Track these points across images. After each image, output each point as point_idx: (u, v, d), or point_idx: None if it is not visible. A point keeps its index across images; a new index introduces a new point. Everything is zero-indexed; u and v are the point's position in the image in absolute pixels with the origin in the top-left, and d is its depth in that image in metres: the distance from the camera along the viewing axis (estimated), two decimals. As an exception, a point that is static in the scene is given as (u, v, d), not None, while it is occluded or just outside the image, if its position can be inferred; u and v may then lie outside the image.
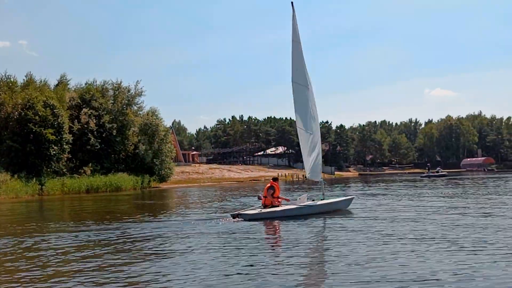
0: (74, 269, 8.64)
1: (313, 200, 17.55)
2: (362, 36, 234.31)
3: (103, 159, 50.30)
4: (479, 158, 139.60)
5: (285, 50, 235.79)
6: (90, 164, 48.24)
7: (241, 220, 15.24)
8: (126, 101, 55.26)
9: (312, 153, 18.28)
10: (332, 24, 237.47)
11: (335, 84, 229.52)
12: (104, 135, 50.59)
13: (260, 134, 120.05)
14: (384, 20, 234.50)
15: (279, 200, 16.84)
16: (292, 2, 17.81)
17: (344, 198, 19.44)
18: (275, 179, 17.39)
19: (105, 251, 10.45)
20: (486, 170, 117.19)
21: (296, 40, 17.87)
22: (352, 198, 19.41)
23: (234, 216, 15.72)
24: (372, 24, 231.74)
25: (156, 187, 52.87)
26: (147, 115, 56.61)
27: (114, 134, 51.50)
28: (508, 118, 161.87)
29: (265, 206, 16.49)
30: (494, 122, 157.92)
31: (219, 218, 15.96)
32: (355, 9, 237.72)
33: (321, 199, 17.69)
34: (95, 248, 10.96)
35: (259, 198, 18.09)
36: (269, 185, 16.85)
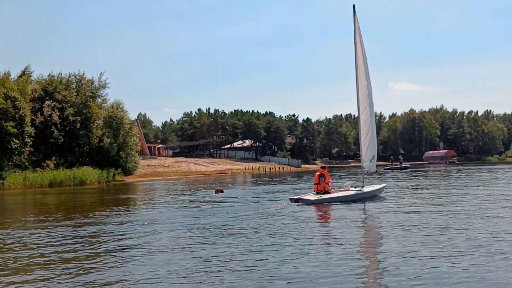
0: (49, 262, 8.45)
1: (356, 188, 19.71)
2: (328, 30, 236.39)
3: (66, 152, 49.33)
4: (441, 151, 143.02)
5: (250, 43, 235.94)
6: (53, 158, 47.22)
7: (301, 205, 17.16)
8: (90, 94, 54.26)
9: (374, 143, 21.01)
10: (297, 19, 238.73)
11: (301, 78, 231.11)
12: (67, 128, 49.57)
13: (227, 127, 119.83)
14: (348, 15, 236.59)
15: (329, 185, 18.99)
16: (354, 5, 20.02)
17: (380, 186, 21.64)
18: (323, 167, 19.88)
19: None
20: (447, 162, 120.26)
21: (360, 41, 20.24)
22: (385, 186, 22.26)
23: (293, 201, 17.83)
24: (337, 18, 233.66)
25: (121, 180, 52.17)
26: (112, 107, 55.69)
27: (78, 127, 50.51)
28: (470, 112, 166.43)
29: (317, 192, 18.58)
30: (456, 115, 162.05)
31: (277, 204, 18.02)
32: (322, 3, 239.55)
33: (362, 187, 19.86)
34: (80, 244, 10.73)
35: (216, 192, 22.27)
36: (319, 173, 18.93)
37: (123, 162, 54.46)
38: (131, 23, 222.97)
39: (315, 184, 18.97)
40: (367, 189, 19.83)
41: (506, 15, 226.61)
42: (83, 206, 22.02)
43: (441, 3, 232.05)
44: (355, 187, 19.87)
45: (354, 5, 20.07)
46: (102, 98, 56.29)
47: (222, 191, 24.77)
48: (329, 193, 18.53)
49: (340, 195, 18.55)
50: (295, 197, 18.26)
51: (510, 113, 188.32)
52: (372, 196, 19.57)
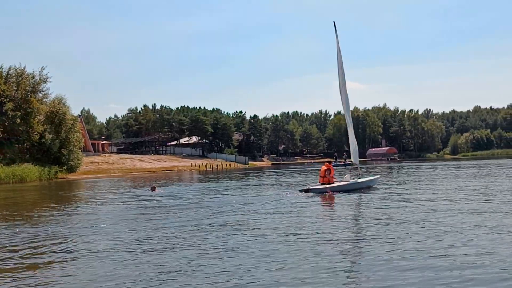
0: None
1: (354, 179, 22.22)
2: (277, 28, 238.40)
3: (6, 149, 47.60)
4: (383, 148, 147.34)
5: (197, 38, 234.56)
6: (-9, 154, 45.53)
7: (312, 194, 19.23)
8: (30, 88, 52.44)
9: (353, 141, 23.78)
10: (245, 17, 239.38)
11: (249, 76, 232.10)
12: (6, 124, 47.79)
13: (173, 124, 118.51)
14: (298, 13, 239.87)
15: (334, 178, 21.34)
16: (334, 22, 22.64)
17: (375, 177, 24.37)
18: (329, 162, 22.08)
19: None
20: (389, 159, 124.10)
21: (339, 52, 22.59)
22: (379, 177, 25.36)
23: (303, 191, 20.08)
24: (285, 17, 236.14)
25: (64, 178, 50.83)
26: (54, 103, 54.05)
27: (18, 122, 48.76)
28: (410, 111, 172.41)
29: (323, 184, 20.74)
30: (397, 114, 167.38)
31: (289, 192, 20.67)
32: (268, 1, 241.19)
33: (359, 178, 22.57)
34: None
35: (152, 189, 23.59)
36: (325, 167, 21.19)
37: (65, 159, 53.04)
38: (75, 17, 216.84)
39: (320, 177, 21.29)
40: (366, 179, 22.87)
41: (445, 16, 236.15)
42: (19, 204, 21.34)
43: (385, 3, 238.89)
44: (353, 179, 22.43)
45: (334, 22, 22.67)
46: (43, 93, 54.49)
47: (155, 189, 24.64)
48: (333, 184, 20.81)
49: (342, 184, 20.98)
50: (305, 188, 20.52)
51: (448, 111, 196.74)
52: (369, 186, 22.21)
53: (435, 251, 8.02)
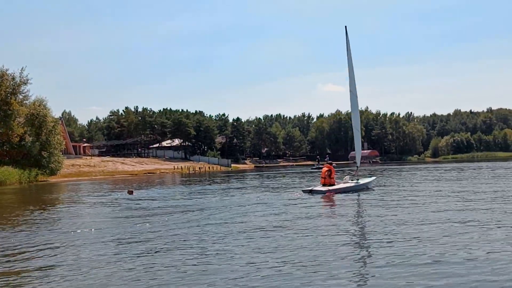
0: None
1: (353, 181, 23.12)
2: (259, 32, 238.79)
3: (-16, 151, 46.87)
4: (365, 151, 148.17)
5: (180, 41, 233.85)
6: (-31, 157, 44.74)
7: (315, 195, 20.30)
8: (10, 90, 51.66)
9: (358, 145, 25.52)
10: (229, 19, 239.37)
11: (232, 78, 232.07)
12: (-15, 126, 47.07)
13: (156, 126, 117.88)
14: (281, 16, 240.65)
15: (334, 179, 22.19)
16: (345, 27, 24.10)
17: (372, 179, 25.50)
18: (330, 163, 22.98)
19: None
20: (371, 162, 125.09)
21: (349, 57, 23.99)
22: (375, 178, 26.75)
23: (305, 192, 21.09)
24: (269, 19, 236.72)
25: (44, 181, 50.22)
26: (34, 105, 53.34)
27: (-3, 124, 48.05)
28: (392, 114, 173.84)
29: (324, 185, 21.69)
30: (379, 117, 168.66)
31: (294, 192, 22.12)
32: (253, 4, 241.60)
33: (357, 180, 23.35)
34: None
35: (129, 193, 24.31)
36: (326, 169, 22.08)
37: (46, 162, 52.37)
38: (56, 18, 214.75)
39: (322, 178, 22.10)
40: (365, 181, 23.86)
41: (426, 20, 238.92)
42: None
43: (368, 7, 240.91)
44: (352, 180, 23.33)
45: (346, 27, 24.14)
46: (23, 94, 53.64)
47: (132, 192, 25.13)
48: (334, 185, 21.77)
49: (344, 186, 21.97)
50: (308, 189, 21.44)
51: (429, 115, 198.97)
52: (367, 187, 23.20)
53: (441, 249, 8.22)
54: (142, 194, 25.40)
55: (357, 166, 25.95)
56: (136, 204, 19.34)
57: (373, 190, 22.60)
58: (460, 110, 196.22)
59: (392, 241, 9.22)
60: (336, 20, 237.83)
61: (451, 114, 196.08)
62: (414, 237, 9.52)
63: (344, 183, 22.60)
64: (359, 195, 19.99)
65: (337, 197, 19.57)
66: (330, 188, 21.17)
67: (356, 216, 13.99)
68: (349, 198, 19.14)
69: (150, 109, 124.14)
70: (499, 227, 10.57)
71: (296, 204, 16.97)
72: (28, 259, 8.87)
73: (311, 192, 20.91)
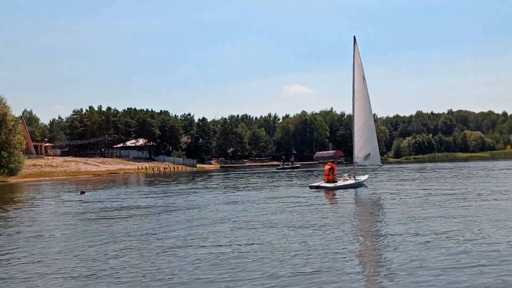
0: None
1: (351, 178, 25.11)
2: (225, 31, 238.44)
3: None
4: (330, 151, 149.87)
5: (145, 40, 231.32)
6: None
7: (322, 190, 22.42)
8: (-32, 88, 50.20)
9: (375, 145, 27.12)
10: (195, 18, 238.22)
11: (198, 78, 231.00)
12: None
13: (120, 126, 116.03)
14: (248, 17, 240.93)
15: (336, 176, 24.47)
16: (354, 36, 26.37)
17: (366, 176, 26.78)
18: (332, 161, 25.77)
19: None
20: (336, 162, 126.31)
21: (359, 64, 26.31)
22: (369, 176, 28.01)
23: (312, 188, 23.48)
24: (236, 20, 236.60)
25: (4, 181, 48.87)
26: (-7, 103, 51.92)
27: (-46, 123, 46.57)
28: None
29: (327, 181, 24.04)
30: (344, 118, 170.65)
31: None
32: (219, 5, 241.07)
33: (354, 177, 25.22)
34: None
35: (82, 193, 25.08)
36: (328, 166, 24.61)
37: (5, 162, 50.99)
38: (19, 14, 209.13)
39: (325, 175, 24.51)
40: (362, 178, 25.65)
41: (388, 23, 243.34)
42: None
43: (334, 11, 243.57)
44: (350, 177, 25.24)
45: (354, 36, 26.27)
46: (-19, 92, 52.24)
47: (84, 193, 25.71)
48: (336, 182, 24.03)
49: (346, 183, 23.98)
50: (315, 185, 23.72)
51: (392, 116, 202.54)
52: (363, 185, 24.95)
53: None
54: (94, 195, 24.93)
55: (355, 165, 26.89)
56: (87, 205, 19.11)
57: (367, 186, 24.63)
58: (422, 111, 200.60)
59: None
60: (302, 20, 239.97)
61: (413, 115, 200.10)
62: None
63: (344, 180, 24.55)
64: (356, 192, 21.79)
65: (340, 192, 21.44)
66: (337, 184, 23.52)
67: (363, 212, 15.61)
68: (348, 193, 21.14)
69: (114, 108, 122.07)
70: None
71: (296, 204, 16.99)
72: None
73: (317, 188, 23.19)
